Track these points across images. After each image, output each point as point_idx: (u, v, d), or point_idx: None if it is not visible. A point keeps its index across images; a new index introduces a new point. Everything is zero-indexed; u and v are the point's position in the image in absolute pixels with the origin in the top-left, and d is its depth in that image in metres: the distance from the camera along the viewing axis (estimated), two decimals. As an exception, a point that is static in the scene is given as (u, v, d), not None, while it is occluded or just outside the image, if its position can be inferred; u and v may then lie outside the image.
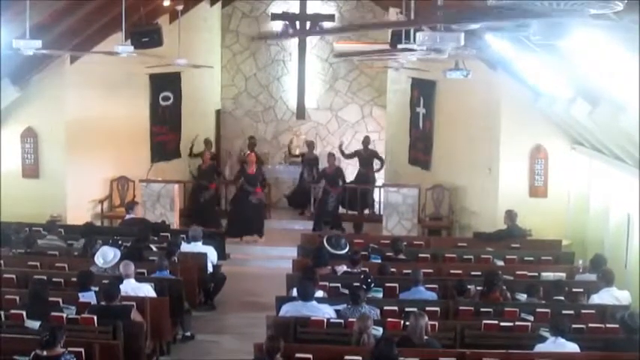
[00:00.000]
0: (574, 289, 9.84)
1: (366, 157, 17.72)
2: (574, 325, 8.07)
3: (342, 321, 8.33)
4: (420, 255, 11.78)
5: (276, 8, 19.86)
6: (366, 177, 17.58)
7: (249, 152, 16.81)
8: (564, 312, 8.69)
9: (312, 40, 19.98)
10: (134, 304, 8.75)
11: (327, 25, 19.17)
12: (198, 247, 11.84)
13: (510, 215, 12.59)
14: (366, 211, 17.35)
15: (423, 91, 16.73)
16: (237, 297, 12.50)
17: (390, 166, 18.43)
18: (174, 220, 15.28)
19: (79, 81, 14.83)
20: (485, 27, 5.77)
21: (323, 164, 17.63)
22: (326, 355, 7.67)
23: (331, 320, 8.38)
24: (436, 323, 8.24)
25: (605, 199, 12.26)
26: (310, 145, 18.52)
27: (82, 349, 7.49)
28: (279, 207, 18.64)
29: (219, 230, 14.98)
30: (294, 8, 19.55)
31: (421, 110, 16.82)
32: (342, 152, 17.82)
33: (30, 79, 14.20)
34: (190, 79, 17.39)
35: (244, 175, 15.76)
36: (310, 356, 7.60)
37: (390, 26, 11.21)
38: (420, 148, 16.97)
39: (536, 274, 10.70)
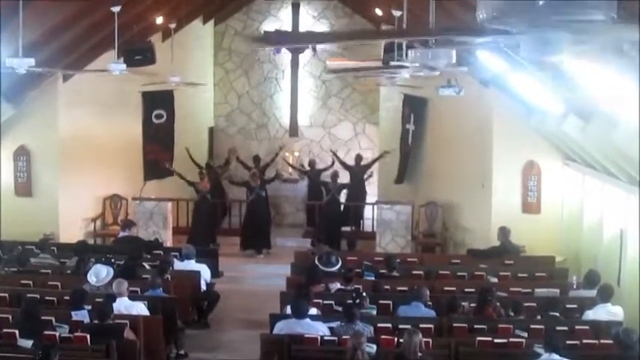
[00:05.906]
0: (568, 305, 9.83)
1: (357, 172, 17.72)
2: (568, 341, 8.05)
3: (335, 338, 8.31)
4: (414, 272, 11.76)
5: (268, 26, 19.94)
6: (357, 191, 17.58)
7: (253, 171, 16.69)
8: (558, 328, 8.68)
9: (304, 58, 20.04)
10: (127, 322, 8.71)
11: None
12: (191, 264, 11.81)
13: (504, 232, 12.60)
14: (353, 228, 17.31)
15: (414, 108, 16.78)
16: (231, 315, 12.46)
17: (383, 183, 18.43)
18: (167, 238, 15.24)
19: (71, 99, 14.83)
20: (477, 43, 5.81)
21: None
22: (320, 372, 7.65)
23: (325, 338, 8.36)
24: (430, 340, 8.22)
25: (599, 214, 12.27)
26: (311, 163, 18.53)
27: (75, 368, 7.46)
28: (273, 224, 18.56)
29: (214, 247, 14.90)
30: (287, 26, 19.61)
31: (411, 127, 16.86)
32: (337, 156, 17.86)
33: (23, 98, 14.18)
34: (183, 97, 17.38)
35: (251, 189, 15.82)
36: (304, 374, 7.58)
37: (383, 37, 11.23)
38: (407, 164, 17.01)
39: (530, 290, 10.69)
